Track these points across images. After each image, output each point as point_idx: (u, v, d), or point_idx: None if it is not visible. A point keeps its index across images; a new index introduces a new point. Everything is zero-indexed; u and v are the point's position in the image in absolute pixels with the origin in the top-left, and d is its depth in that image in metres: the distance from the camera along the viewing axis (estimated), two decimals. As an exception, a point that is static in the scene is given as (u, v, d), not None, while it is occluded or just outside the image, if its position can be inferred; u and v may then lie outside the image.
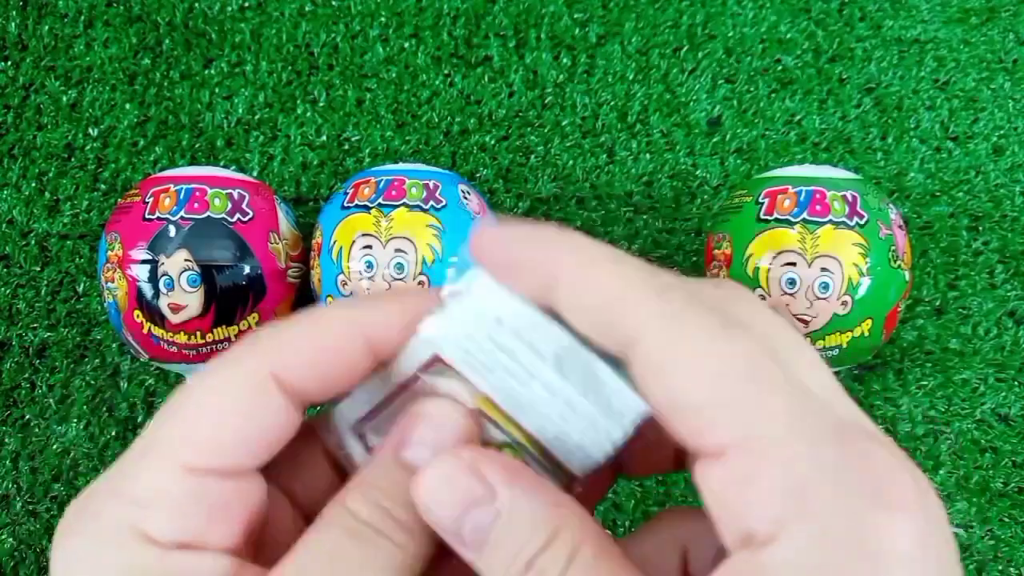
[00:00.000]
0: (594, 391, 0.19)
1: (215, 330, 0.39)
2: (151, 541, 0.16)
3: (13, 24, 0.51)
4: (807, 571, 0.14)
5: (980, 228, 0.49)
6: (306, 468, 0.21)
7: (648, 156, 0.50)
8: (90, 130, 0.49)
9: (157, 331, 0.39)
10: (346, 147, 0.50)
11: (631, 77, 0.51)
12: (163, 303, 0.38)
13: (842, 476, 0.14)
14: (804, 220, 0.38)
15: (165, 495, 0.17)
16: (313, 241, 0.42)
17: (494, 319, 0.19)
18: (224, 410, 0.17)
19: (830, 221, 0.37)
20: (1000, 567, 0.45)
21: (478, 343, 0.19)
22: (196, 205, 0.39)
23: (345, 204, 0.40)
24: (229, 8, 0.52)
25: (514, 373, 0.19)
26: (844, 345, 0.38)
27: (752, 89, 0.51)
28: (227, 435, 0.17)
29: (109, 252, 0.39)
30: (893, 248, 0.38)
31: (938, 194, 0.50)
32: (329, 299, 0.40)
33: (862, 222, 0.38)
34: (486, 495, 0.17)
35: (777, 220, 0.38)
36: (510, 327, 0.19)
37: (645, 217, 0.49)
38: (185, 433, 0.17)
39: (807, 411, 0.15)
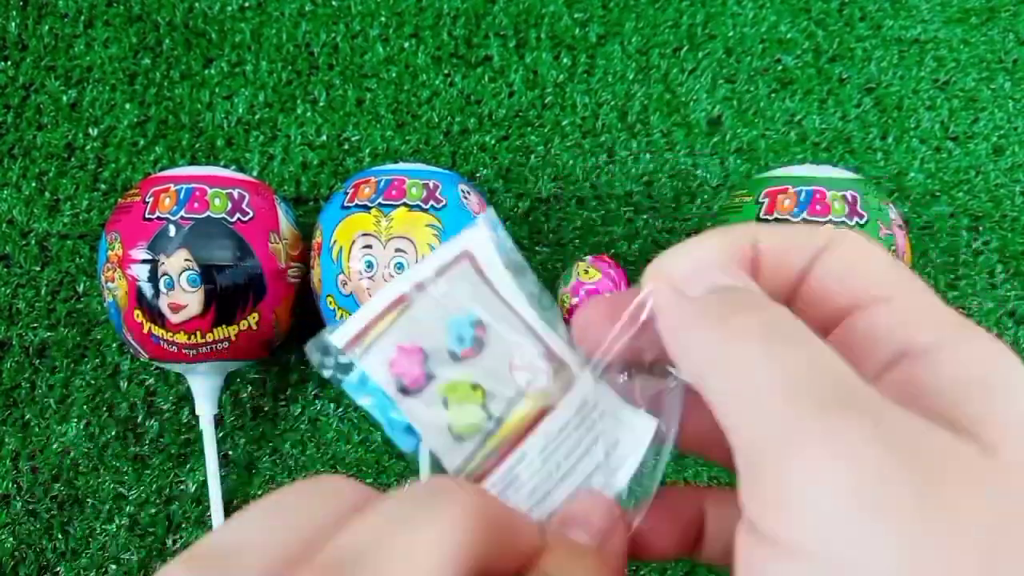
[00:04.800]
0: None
1: (215, 330, 0.39)
2: None
3: (13, 24, 0.51)
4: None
5: (980, 228, 0.49)
6: None
7: (648, 156, 0.50)
8: (90, 130, 0.49)
9: (157, 331, 0.39)
10: (346, 147, 0.50)
11: (631, 77, 0.51)
12: (163, 303, 0.38)
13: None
14: (804, 220, 0.38)
15: None
16: (313, 241, 0.42)
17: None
18: None
19: (830, 221, 0.37)
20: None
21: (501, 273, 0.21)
22: (196, 205, 0.39)
23: (345, 204, 0.40)
24: (229, 8, 0.52)
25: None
26: (844, 345, 0.38)
27: (752, 89, 0.51)
28: None
29: (109, 252, 0.39)
30: (893, 248, 0.38)
31: (938, 194, 0.50)
32: (329, 299, 0.40)
33: (862, 222, 0.38)
34: (729, 271, 0.19)
35: (777, 220, 0.38)
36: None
37: (645, 217, 0.49)
38: None
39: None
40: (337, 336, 0.20)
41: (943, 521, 0.13)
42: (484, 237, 0.21)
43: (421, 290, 0.21)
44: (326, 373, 0.21)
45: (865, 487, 0.13)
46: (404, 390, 0.20)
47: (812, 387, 0.14)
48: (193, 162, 0.49)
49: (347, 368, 0.21)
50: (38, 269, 0.47)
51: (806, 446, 0.14)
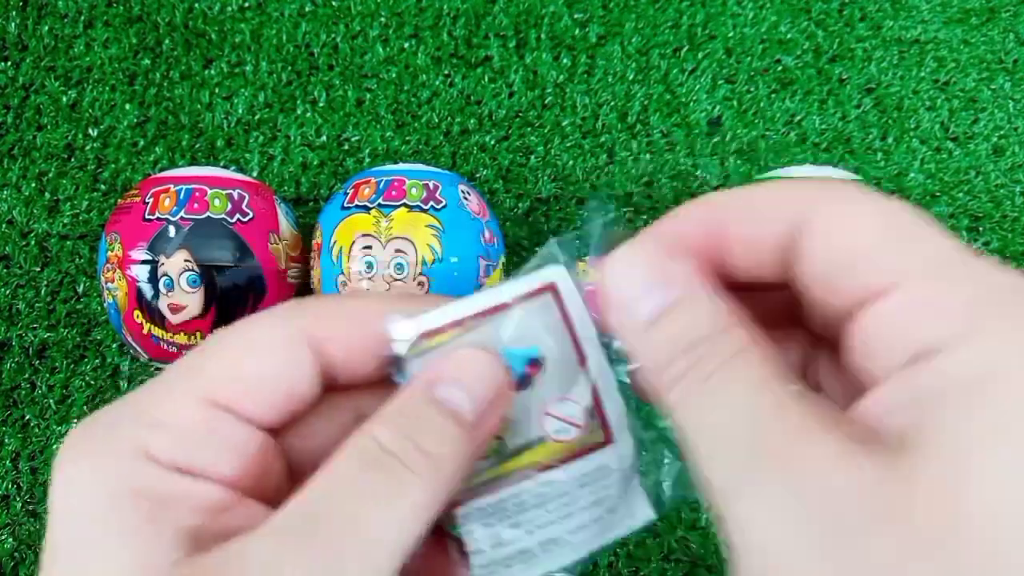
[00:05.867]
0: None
1: (215, 331, 0.39)
2: (152, 459, 0.17)
3: (13, 24, 0.51)
4: (986, 376, 0.14)
5: (980, 228, 0.49)
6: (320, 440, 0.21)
7: (648, 156, 0.50)
8: (90, 130, 0.49)
9: (157, 332, 0.39)
10: (346, 147, 0.50)
11: (631, 77, 0.51)
12: (163, 303, 0.38)
13: (1018, 297, 0.15)
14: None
15: (178, 420, 0.17)
16: (313, 241, 0.42)
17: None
18: (255, 354, 0.18)
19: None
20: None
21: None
22: (196, 205, 0.39)
23: (345, 204, 0.40)
24: (229, 8, 0.52)
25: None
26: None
27: (752, 89, 0.51)
28: (253, 379, 0.18)
29: (109, 252, 0.39)
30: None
31: (938, 194, 0.50)
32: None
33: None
34: (671, 280, 0.18)
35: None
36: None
37: (645, 217, 0.49)
38: (214, 368, 0.18)
39: (970, 252, 0.16)
40: (401, 327, 0.20)
41: (852, 563, 0.13)
42: (564, 273, 0.21)
43: (492, 315, 0.20)
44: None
45: (784, 540, 0.14)
46: None
47: (730, 449, 0.15)
48: (193, 162, 0.49)
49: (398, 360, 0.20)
50: (38, 269, 0.47)
51: (738, 501, 0.15)
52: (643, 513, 0.21)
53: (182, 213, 0.38)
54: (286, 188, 0.49)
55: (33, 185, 0.48)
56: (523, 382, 0.20)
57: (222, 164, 0.49)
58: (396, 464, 0.17)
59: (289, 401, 0.19)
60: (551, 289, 0.21)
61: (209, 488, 0.17)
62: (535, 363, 0.20)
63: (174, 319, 0.38)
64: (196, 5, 0.52)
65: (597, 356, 0.21)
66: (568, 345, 0.21)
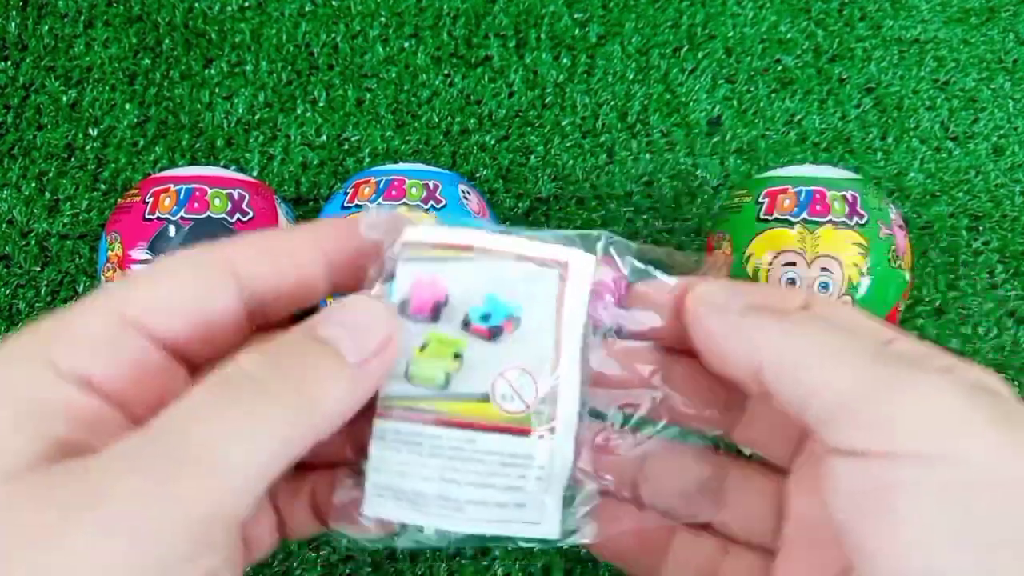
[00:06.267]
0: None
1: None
2: (53, 367, 0.17)
3: (13, 24, 0.51)
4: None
5: (980, 228, 0.49)
6: None
7: (648, 156, 0.50)
8: (90, 130, 0.49)
9: (157, 331, 0.39)
10: (346, 147, 0.50)
11: (631, 77, 0.51)
12: (163, 303, 0.38)
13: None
14: (804, 220, 0.38)
15: (85, 331, 0.18)
16: (313, 241, 0.41)
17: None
18: (171, 274, 0.19)
19: (830, 221, 0.37)
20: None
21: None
22: (196, 205, 0.39)
23: (345, 204, 0.40)
24: (229, 8, 0.52)
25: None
26: (844, 345, 0.38)
27: (752, 89, 0.51)
28: (164, 295, 0.18)
29: (109, 252, 0.39)
30: (893, 248, 0.38)
31: (938, 194, 0.50)
32: (329, 299, 0.40)
33: (862, 222, 0.38)
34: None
35: (777, 220, 0.38)
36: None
37: (645, 217, 0.49)
38: (130, 287, 0.19)
39: None
40: (412, 232, 0.20)
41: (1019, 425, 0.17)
42: (590, 265, 0.21)
43: (499, 257, 0.20)
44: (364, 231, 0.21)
45: (970, 407, 0.17)
46: (404, 310, 0.21)
47: (886, 352, 0.19)
48: (193, 162, 0.49)
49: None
50: (38, 269, 0.47)
51: (914, 386, 0.18)
52: (548, 525, 0.21)
53: (182, 213, 0.38)
54: (286, 188, 0.49)
55: (33, 185, 0.48)
56: (494, 333, 0.20)
57: (222, 164, 0.49)
58: (254, 390, 0.17)
59: (203, 322, 0.19)
60: (563, 267, 0.21)
61: (99, 404, 0.17)
62: (511, 320, 0.20)
63: (174, 319, 0.38)
64: (196, 5, 0.52)
65: (573, 353, 0.21)
66: (551, 326, 0.20)
